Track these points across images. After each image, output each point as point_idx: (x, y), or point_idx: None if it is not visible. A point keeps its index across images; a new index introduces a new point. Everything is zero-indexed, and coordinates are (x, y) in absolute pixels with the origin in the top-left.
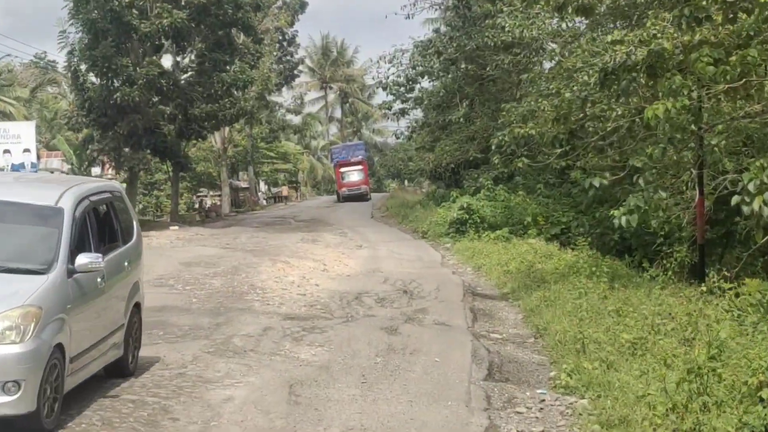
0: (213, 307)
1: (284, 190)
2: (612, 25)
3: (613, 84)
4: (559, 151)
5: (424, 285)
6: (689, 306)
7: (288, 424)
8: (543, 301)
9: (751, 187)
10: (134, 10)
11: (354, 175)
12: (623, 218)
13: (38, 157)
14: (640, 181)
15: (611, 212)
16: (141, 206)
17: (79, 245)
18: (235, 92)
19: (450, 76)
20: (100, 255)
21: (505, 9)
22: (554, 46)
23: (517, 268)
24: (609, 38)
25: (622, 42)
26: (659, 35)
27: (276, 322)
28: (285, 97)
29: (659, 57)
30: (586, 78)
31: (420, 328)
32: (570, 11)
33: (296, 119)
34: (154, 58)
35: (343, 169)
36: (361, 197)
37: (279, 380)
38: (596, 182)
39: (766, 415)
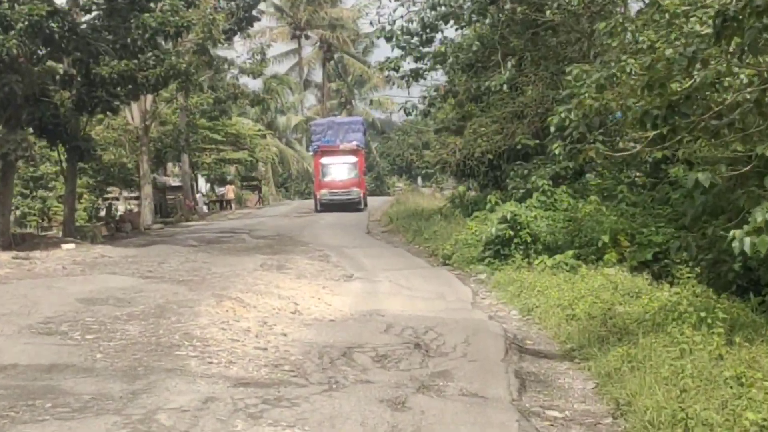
0: (127, 366)
1: (229, 191)
2: None
3: (735, 35)
4: (651, 134)
5: (446, 336)
6: None
7: None
8: (626, 361)
9: None
10: None
11: (342, 171)
12: (746, 240)
13: None
14: None
15: (730, 231)
16: (19, 213)
17: None
18: (163, 43)
19: (488, 21)
20: None
21: None
22: None
23: (588, 313)
24: None
25: None
26: None
27: (222, 389)
28: (239, 52)
29: None
30: (696, 26)
31: (440, 401)
32: None
33: (255, 84)
34: None
35: (325, 160)
36: (350, 205)
37: None
38: (706, 181)
39: None
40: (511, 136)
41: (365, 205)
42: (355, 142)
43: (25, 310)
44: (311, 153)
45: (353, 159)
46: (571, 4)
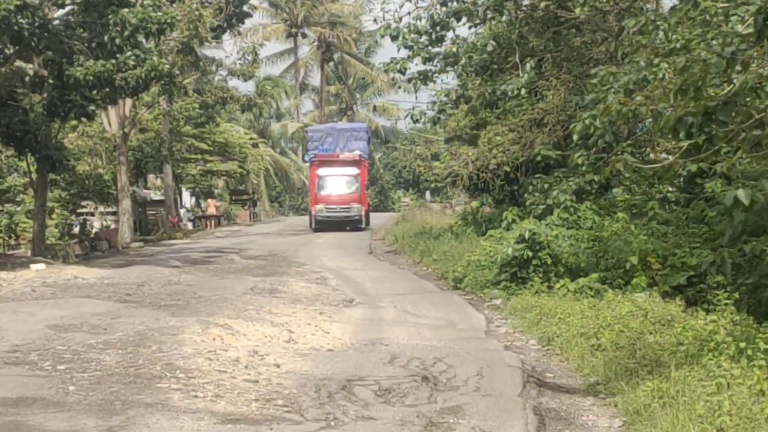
0: (103, 399)
1: (210, 206)
2: None
3: None
4: (685, 144)
5: (457, 368)
6: None
7: None
8: (656, 397)
9: None
10: None
11: (341, 184)
12: None
13: None
14: None
15: None
16: None
17: None
18: (144, 41)
19: (505, 18)
20: None
21: None
22: None
23: (614, 343)
24: None
25: None
26: None
27: (208, 426)
28: (228, 51)
29: None
30: (737, 26)
31: None
32: None
33: (246, 87)
34: None
35: (323, 171)
36: (349, 224)
37: None
38: (747, 198)
39: None
40: (529, 147)
41: (367, 223)
42: (357, 152)
43: None
44: (307, 163)
45: (354, 171)
46: (600, 0)
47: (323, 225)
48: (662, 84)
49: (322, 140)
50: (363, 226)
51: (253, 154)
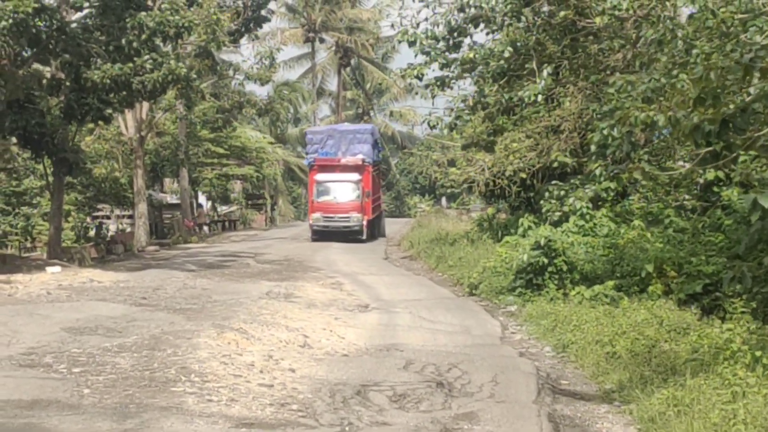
0: (118, 402)
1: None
2: None
3: None
4: (703, 152)
5: (471, 374)
6: None
7: None
8: (672, 405)
9: None
10: None
11: (340, 191)
12: None
13: None
14: None
15: None
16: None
17: None
18: (161, 45)
19: (522, 24)
20: None
21: None
22: None
23: (629, 350)
24: None
25: None
26: None
27: (223, 431)
28: (245, 56)
29: None
30: (756, 37)
31: None
32: None
33: (263, 92)
34: None
35: (321, 176)
36: (348, 234)
37: None
38: (766, 200)
39: None
40: (546, 153)
41: (371, 235)
42: (360, 156)
43: (5, 339)
44: (307, 165)
45: (355, 177)
46: (619, 8)
47: (320, 235)
48: (679, 93)
49: (322, 143)
50: (364, 237)
51: (270, 158)
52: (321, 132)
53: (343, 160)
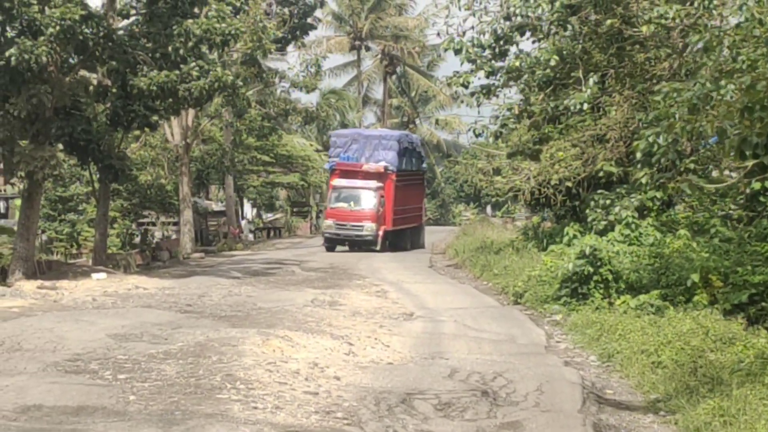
0: (163, 409)
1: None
2: None
3: None
4: (750, 164)
5: (516, 383)
6: None
7: None
8: (717, 415)
9: None
10: None
11: (357, 198)
12: None
13: None
14: None
15: None
16: (45, 238)
17: None
18: (207, 52)
19: (568, 33)
20: None
21: None
22: None
23: (675, 360)
24: None
25: None
26: None
27: None
28: (291, 63)
29: None
30: None
31: None
32: None
33: (309, 99)
34: None
35: (339, 182)
36: (361, 243)
37: None
38: None
39: None
40: (592, 162)
41: (382, 247)
42: (383, 163)
43: (51, 345)
44: (328, 170)
45: (374, 184)
46: (666, 17)
47: (332, 243)
48: (726, 102)
49: (346, 147)
50: (377, 248)
51: (316, 166)
52: (346, 135)
53: (364, 167)
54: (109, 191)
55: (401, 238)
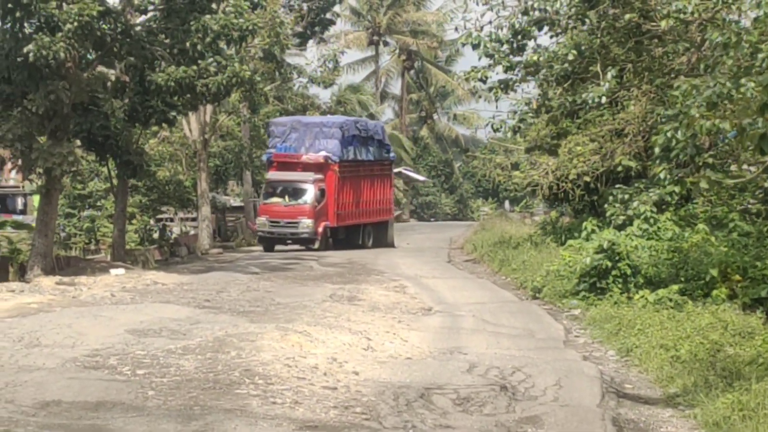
0: (182, 405)
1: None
2: None
3: None
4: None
5: (535, 377)
6: None
7: None
8: (736, 409)
9: None
10: None
11: (289, 192)
12: None
13: None
14: None
15: None
16: (64, 234)
17: None
18: (225, 48)
19: (586, 27)
20: None
21: None
22: None
23: (694, 354)
24: None
25: None
26: None
27: None
28: (309, 59)
29: None
30: None
31: None
32: None
33: (328, 95)
34: None
35: (273, 175)
36: (297, 241)
37: None
38: None
39: None
40: (610, 157)
41: (318, 244)
42: (323, 153)
43: (70, 341)
44: (266, 161)
45: (310, 177)
46: (684, 11)
47: (268, 243)
48: (744, 99)
49: (284, 136)
50: (316, 246)
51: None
52: (284, 124)
53: (304, 158)
54: (128, 187)
55: (354, 235)
